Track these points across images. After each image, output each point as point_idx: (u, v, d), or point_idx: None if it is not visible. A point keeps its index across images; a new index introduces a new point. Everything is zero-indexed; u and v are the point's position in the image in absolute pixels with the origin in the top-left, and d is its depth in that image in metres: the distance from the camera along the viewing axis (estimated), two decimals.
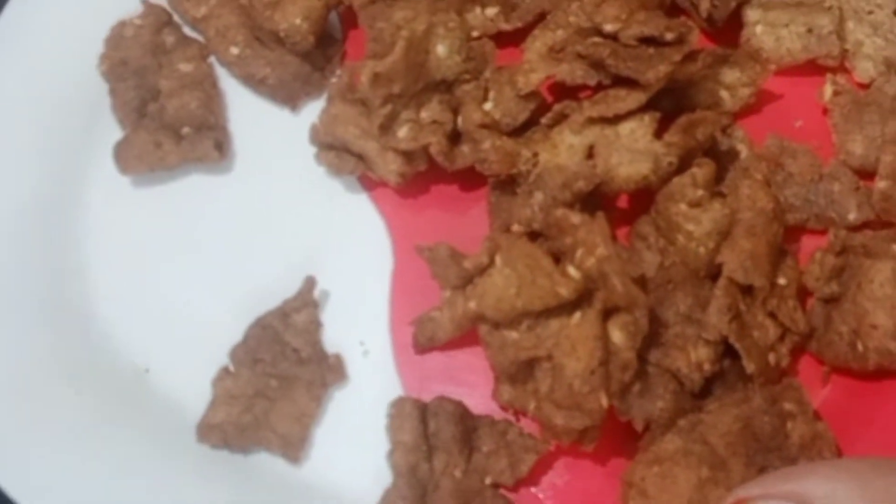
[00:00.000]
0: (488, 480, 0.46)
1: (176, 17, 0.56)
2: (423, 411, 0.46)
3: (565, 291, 0.43)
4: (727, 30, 0.55)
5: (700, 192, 0.47)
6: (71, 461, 0.48)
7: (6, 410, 0.49)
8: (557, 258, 0.45)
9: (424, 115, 0.51)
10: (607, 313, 0.44)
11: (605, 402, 0.43)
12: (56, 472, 0.48)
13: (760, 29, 0.54)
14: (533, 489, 0.47)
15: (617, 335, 0.44)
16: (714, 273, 0.47)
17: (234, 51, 0.55)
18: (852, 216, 0.49)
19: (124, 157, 0.52)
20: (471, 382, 0.49)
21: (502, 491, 0.47)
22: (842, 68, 0.54)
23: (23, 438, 0.49)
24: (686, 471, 0.44)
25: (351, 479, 0.48)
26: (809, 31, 0.54)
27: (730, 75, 0.54)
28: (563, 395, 0.43)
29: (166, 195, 0.54)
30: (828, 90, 0.53)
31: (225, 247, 0.53)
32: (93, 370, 0.51)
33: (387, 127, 0.50)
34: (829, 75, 0.53)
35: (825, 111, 0.53)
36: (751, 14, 0.54)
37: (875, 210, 0.48)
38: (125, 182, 0.54)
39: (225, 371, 0.49)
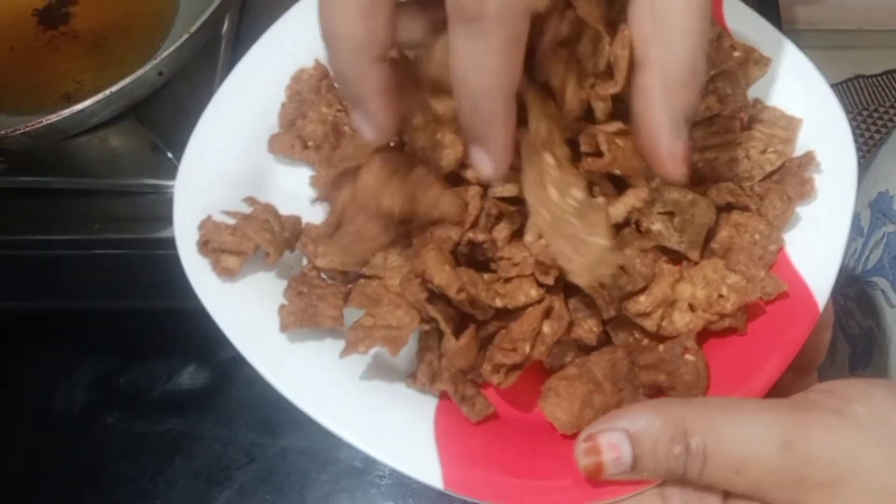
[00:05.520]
0: None
1: (331, 75, 0.81)
2: None
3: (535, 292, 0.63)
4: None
5: None
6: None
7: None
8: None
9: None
10: (545, 314, 0.62)
11: (528, 349, 0.60)
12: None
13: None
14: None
15: (546, 328, 0.62)
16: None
17: None
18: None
19: (273, 143, 0.78)
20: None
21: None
22: None
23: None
24: (580, 384, 0.62)
25: None
26: None
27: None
28: (506, 343, 0.61)
29: None
30: None
31: None
32: None
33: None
34: None
35: None
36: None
37: None
38: None
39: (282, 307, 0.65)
